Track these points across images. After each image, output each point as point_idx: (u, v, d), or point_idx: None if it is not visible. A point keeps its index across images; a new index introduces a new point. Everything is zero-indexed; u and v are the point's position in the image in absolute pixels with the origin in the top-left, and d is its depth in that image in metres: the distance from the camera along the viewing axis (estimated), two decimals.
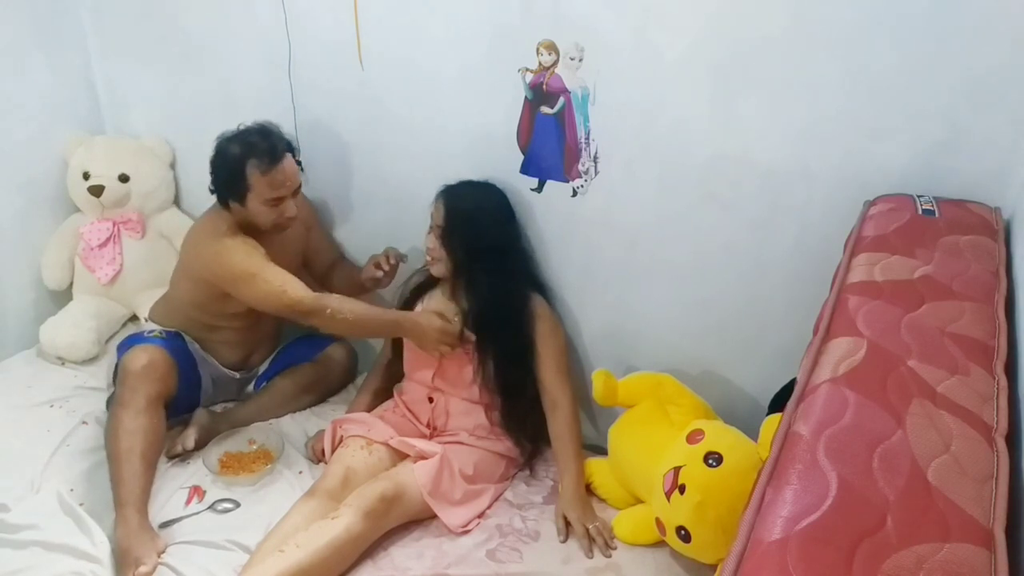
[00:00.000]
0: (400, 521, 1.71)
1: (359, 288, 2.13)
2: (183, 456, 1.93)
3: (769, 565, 0.69)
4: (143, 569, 1.56)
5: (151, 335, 2.03)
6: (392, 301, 2.12)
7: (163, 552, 1.65)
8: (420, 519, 1.75)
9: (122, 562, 1.60)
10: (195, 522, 1.74)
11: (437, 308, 1.95)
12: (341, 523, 1.60)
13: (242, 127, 1.89)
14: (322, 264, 2.25)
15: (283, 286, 1.84)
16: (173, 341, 2.02)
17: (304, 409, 2.18)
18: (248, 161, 1.83)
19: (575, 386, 1.95)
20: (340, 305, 1.85)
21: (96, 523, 1.68)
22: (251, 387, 2.23)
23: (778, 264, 1.73)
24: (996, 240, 1.30)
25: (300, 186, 1.95)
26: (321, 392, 2.23)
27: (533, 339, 1.90)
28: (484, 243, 1.87)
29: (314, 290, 1.88)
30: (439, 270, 1.92)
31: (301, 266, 2.16)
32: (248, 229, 1.93)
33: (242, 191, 1.85)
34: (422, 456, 1.80)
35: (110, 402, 1.94)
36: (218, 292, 1.93)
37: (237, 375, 2.18)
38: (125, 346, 2.01)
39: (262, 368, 2.24)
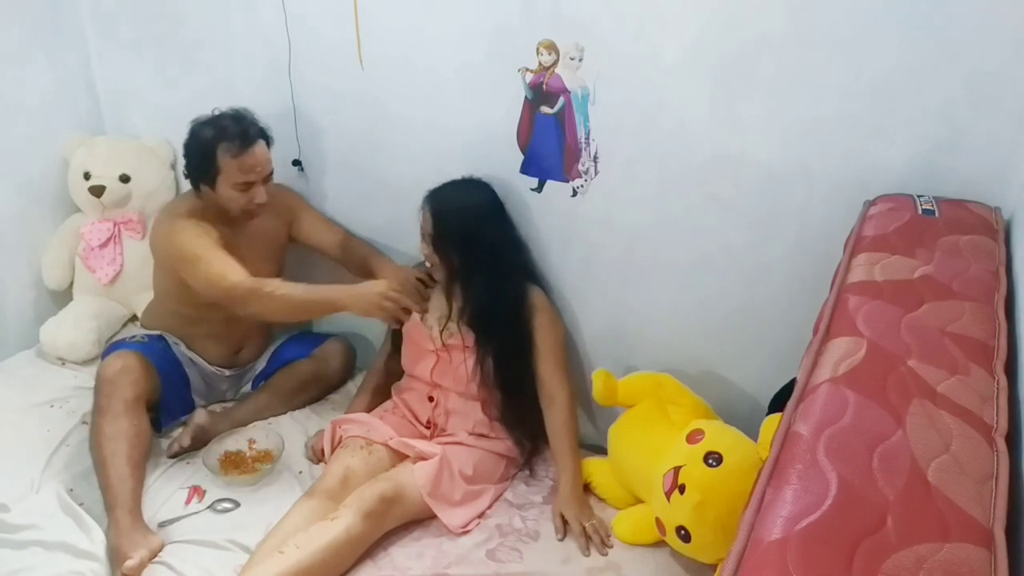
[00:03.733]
0: (400, 522, 1.71)
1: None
2: (183, 455, 1.94)
3: (769, 565, 0.69)
4: (129, 562, 1.56)
5: (131, 340, 2.04)
6: None
7: (159, 550, 1.64)
8: (420, 519, 1.75)
9: (113, 561, 1.61)
10: (195, 522, 1.74)
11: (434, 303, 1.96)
12: (341, 524, 1.60)
13: (217, 112, 1.91)
14: (333, 248, 2.14)
15: (223, 270, 1.83)
16: (154, 344, 2.02)
17: (303, 406, 2.17)
18: (219, 144, 1.84)
19: (575, 385, 1.95)
20: (278, 286, 1.83)
21: (96, 523, 1.69)
22: (249, 386, 2.23)
23: (778, 264, 1.73)
24: (996, 240, 1.31)
25: (271, 173, 1.95)
26: (319, 389, 2.22)
27: (532, 332, 1.89)
28: (476, 243, 1.85)
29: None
30: (439, 274, 1.92)
31: (278, 260, 2.14)
32: (219, 216, 1.93)
33: (212, 174, 1.87)
34: (421, 457, 1.79)
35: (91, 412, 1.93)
36: (180, 277, 1.91)
37: (227, 372, 2.17)
38: (105, 355, 2.00)
39: (257, 366, 2.24)
